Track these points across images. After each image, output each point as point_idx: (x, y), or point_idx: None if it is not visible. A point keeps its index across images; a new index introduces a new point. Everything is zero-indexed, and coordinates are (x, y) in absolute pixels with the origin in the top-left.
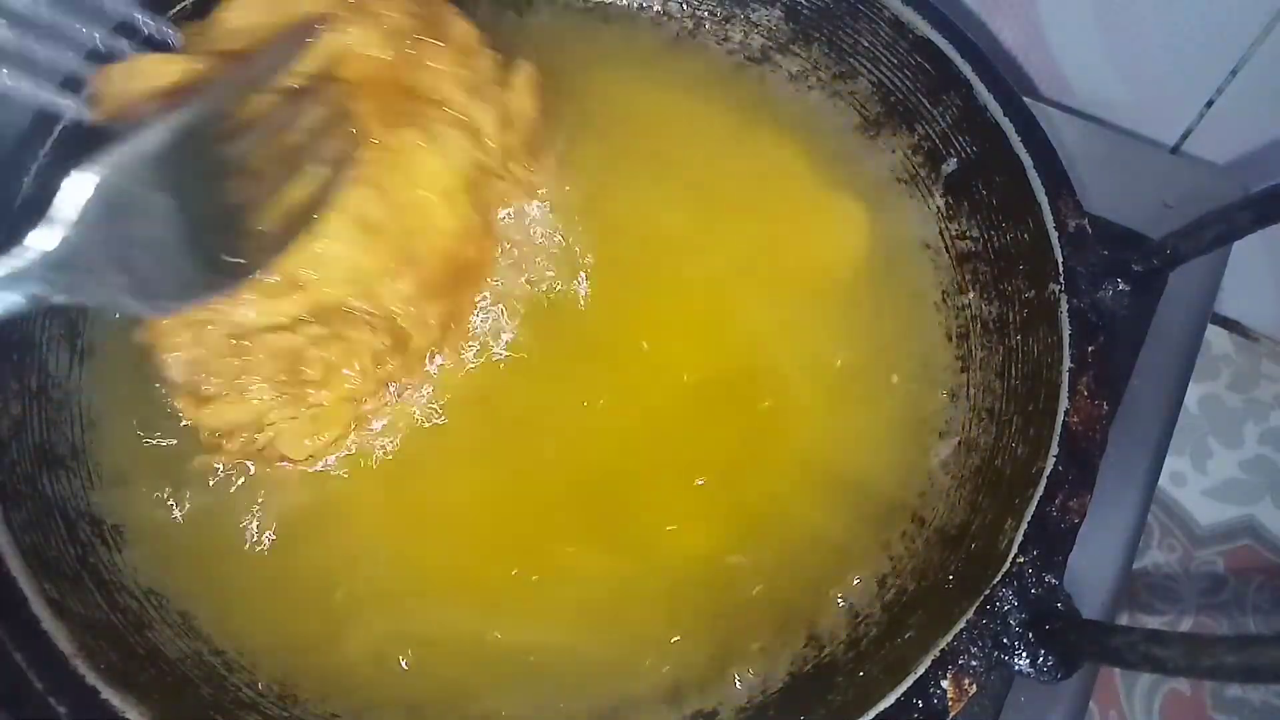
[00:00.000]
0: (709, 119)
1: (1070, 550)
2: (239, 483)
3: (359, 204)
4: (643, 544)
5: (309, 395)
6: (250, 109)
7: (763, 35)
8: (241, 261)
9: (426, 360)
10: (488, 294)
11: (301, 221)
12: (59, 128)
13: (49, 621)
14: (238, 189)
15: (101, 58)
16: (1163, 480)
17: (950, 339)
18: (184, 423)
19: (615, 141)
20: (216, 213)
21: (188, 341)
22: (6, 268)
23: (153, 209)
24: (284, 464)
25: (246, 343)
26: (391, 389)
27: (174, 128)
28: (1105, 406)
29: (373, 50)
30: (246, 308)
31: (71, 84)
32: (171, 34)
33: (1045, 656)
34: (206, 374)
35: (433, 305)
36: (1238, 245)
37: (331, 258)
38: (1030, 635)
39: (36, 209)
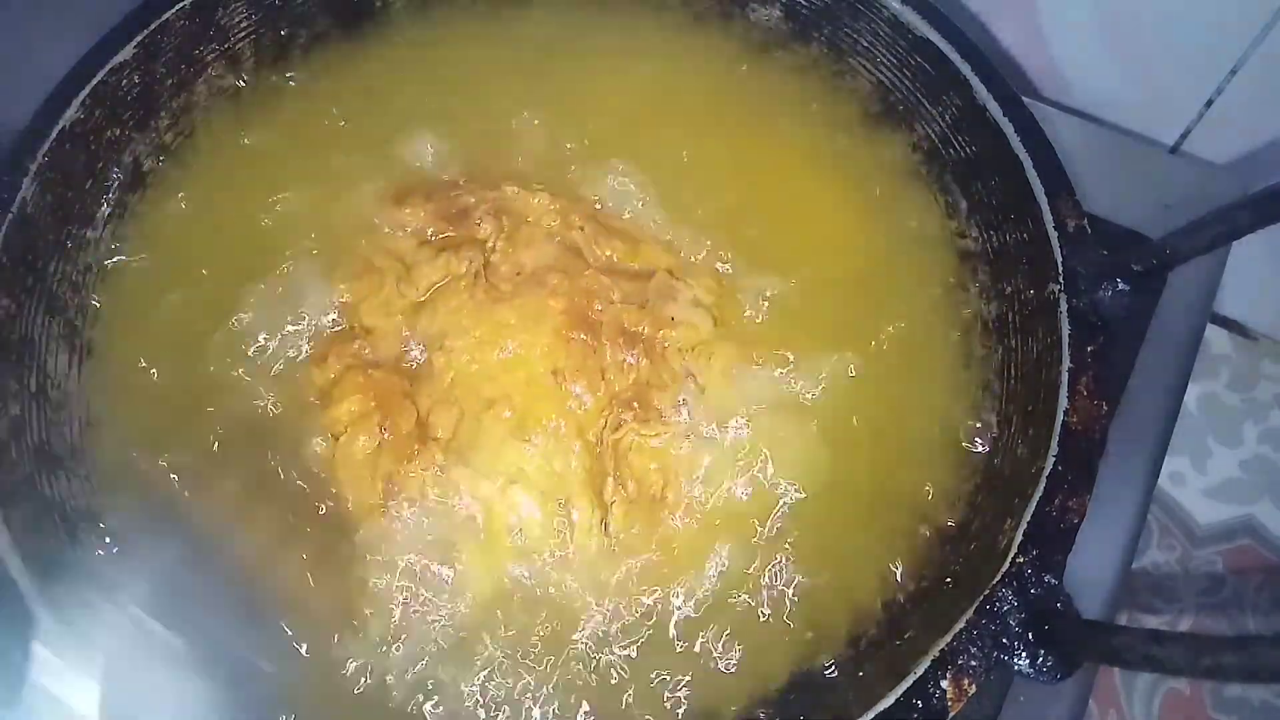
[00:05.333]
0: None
1: (1070, 550)
2: None
3: None
4: None
5: None
6: None
7: (762, 34)
8: None
9: None
10: None
11: None
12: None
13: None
14: None
15: None
16: (1162, 480)
17: (949, 339)
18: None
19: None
20: None
21: None
22: None
23: None
24: None
25: None
26: None
27: None
28: (1105, 406)
29: None
30: None
31: None
32: None
33: (1045, 656)
34: None
35: None
36: (1238, 245)
37: None
38: (1030, 635)
39: None
